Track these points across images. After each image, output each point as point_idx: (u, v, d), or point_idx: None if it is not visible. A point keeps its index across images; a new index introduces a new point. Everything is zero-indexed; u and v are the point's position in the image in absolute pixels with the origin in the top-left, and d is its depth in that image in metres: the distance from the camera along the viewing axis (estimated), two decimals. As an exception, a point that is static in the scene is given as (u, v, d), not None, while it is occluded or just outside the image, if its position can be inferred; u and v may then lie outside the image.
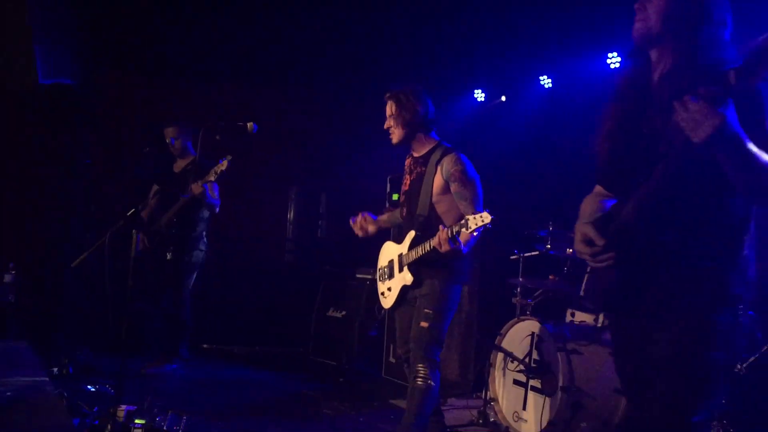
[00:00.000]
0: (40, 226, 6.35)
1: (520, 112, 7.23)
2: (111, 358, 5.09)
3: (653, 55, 2.05)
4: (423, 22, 6.67)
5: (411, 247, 3.89)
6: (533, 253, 5.38)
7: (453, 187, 3.85)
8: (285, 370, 6.57)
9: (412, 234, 3.90)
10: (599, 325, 4.82)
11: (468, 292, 6.20)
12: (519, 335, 4.81)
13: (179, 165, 5.83)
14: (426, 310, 3.79)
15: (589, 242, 2.07)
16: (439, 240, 3.58)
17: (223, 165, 4.90)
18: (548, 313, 5.28)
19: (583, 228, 2.09)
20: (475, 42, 6.89)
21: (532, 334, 4.68)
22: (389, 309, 4.12)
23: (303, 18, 6.66)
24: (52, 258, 6.06)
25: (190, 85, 7.52)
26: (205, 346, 7.24)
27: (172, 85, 7.46)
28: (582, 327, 4.88)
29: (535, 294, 5.39)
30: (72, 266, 3.87)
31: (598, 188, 2.41)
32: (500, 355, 4.89)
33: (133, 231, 3.67)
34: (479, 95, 7.80)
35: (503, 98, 7.56)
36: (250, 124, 4.42)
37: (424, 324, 3.78)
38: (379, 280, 4.20)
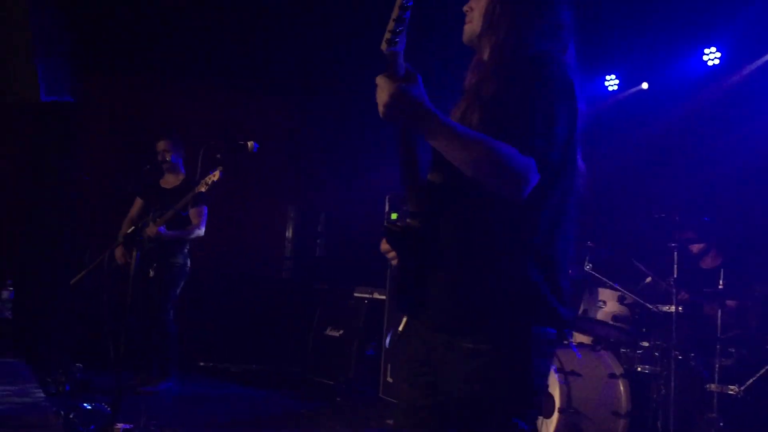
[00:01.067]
0: (37, 242, 6.34)
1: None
2: (107, 375, 5.07)
3: (483, 55, 2.00)
4: (430, 42, 6.70)
5: None
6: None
7: None
8: (281, 388, 6.53)
9: None
10: (598, 346, 4.82)
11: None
12: (517, 356, 4.79)
13: (168, 180, 5.77)
14: None
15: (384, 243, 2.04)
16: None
17: (215, 176, 4.85)
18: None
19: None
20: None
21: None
22: None
23: (304, 36, 6.68)
24: (49, 274, 6.05)
25: (189, 101, 7.54)
26: (201, 363, 7.21)
27: (172, 102, 7.49)
28: (580, 347, 4.87)
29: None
30: (71, 284, 3.86)
31: None
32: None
33: (133, 249, 3.67)
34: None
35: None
36: (250, 143, 4.43)
37: None
38: None
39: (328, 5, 6.27)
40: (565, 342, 4.72)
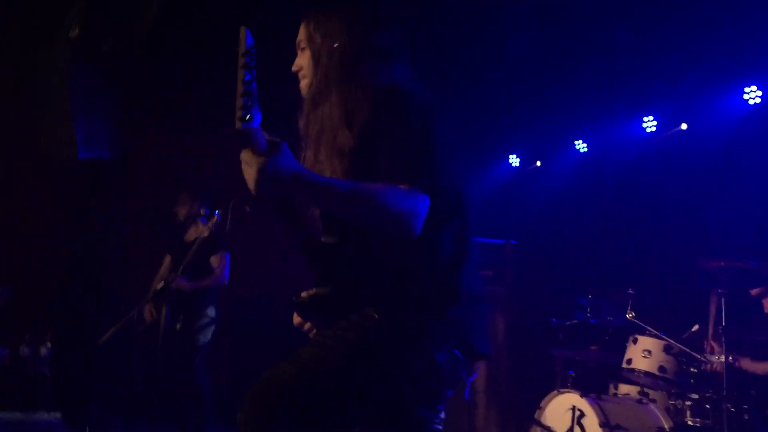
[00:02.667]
0: (77, 299, 6.40)
1: (556, 177, 7.17)
2: (143, 430, 5.03)
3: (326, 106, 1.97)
4: (456, 87, 6.72)
5: None
6: (573, 322, 5.22)
7: None
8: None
9: None
10: (645, 398, 4.61)
11: (507, 362, 6.02)
12: (559, 409, 4.61)
13: (191, 234, 5.77)
14: None
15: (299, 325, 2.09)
16: None
17: (215, 219, 4.84)
18: (590, 385, 5.08)
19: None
20: (510, 108, 6.89)
21: (573, 407, 4.48)
22: None
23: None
24: (88, 331, 6.09)
25: (224, 154, 7.61)
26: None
27: (209, 154, 7.58)
28: (626, 400, 4.67)
29: (576, 365, 5.19)
30: (104, 339, 3.85)
31: None
32: (539, 430, 4.69)
33: (162, 305, 3.65)
34: (514, 161, 7.77)
35: (538, 163, 7.51)
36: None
37: None
38: None
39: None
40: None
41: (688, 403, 4.46)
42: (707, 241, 5.56)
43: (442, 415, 1.97)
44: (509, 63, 6.24)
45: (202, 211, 5.68)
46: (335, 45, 1.90)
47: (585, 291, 5.06)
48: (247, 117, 1.52)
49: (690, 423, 4.38)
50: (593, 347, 5.05)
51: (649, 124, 6.41)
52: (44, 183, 6.48)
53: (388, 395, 1.78)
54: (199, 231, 5.73)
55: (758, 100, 5.61)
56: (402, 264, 1.79)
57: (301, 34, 1.98)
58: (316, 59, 1.93)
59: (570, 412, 4.48)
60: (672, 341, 4.53)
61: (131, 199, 6.81)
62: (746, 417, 4.29)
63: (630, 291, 4.80)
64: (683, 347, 4.50)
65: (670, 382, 4.52)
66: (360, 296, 1.82)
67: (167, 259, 5.83)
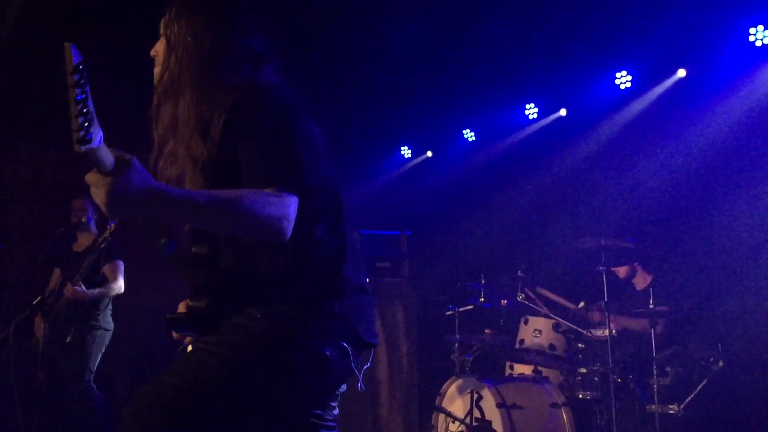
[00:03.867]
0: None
1: (447, 166, 7.30)
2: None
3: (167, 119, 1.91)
4: (346, 81, 6.71)
5: None
6: (468, 307, 5.33)
7: None
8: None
9: None
10: (538, 375, 4.77)
11: (407, 351, 6.08)
12: (459, 393, 4.71)
13: (81, 243, 5.51)
14: None
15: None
16: None
17: (111, 228, 4.68)
18: (487, 368, 5.20)
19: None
20: (400, 100, 6.95)
21: (472, 391, 4.59)
22: None
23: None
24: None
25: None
26: None
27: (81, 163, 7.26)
28: (521, 379, 4.81)
29: (473, 349, 5.31)
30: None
31: None
32: (442, 416, 4.77)
33: (41, 320, 3.46)
34: (406, 152, 7.85)
35: (429, 153, 7.62)
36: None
37: None
38: None
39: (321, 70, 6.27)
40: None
41: (578, 378, 4.65)
42: (589, 222, 5.80)
43: (336, 411, 1.94)
44: (396, 56, 6.29)
45: (84, 219, 5.43)
46: (192, 38, 1.80)
47: (478, 277, 5.17)
48: (86, 137, 1.38)
49: (581, 396, 4.57)
50: (488, 331, 5.17)
51: (531, 110, 6.62)
52: None
53: (277, 399, 1.73)
54: (90, 239, 5.47)
55: (629, 85, 5.89)
56: (278, 266, 1.75)
57: (165, 19, 1.87)
58: (170, 49, 1.83)
59: (469, 396, 4.58)
60: (560, 319, 4.71)
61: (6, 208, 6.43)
62: (631, 386, 4.51)
63: (520, 273, 4.94)
64: (570, 324, 4.68)
65: (560, 359, 4.70)
66: (238, 304, 1.76)
67: (55, 272, 5.54)
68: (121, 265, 5.32)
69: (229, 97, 1.74)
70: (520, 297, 4.87)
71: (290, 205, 1.61)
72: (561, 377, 4.80)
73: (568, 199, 6.12)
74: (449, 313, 5.42)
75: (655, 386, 4.27)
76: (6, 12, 5.14)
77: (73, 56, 1.39)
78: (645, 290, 4.81)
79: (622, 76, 5.87)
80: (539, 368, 4.88)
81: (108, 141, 1.45)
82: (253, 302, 1.75)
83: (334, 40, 6.11)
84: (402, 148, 7.83)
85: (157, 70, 1.88)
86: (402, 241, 6.57)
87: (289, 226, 1.61)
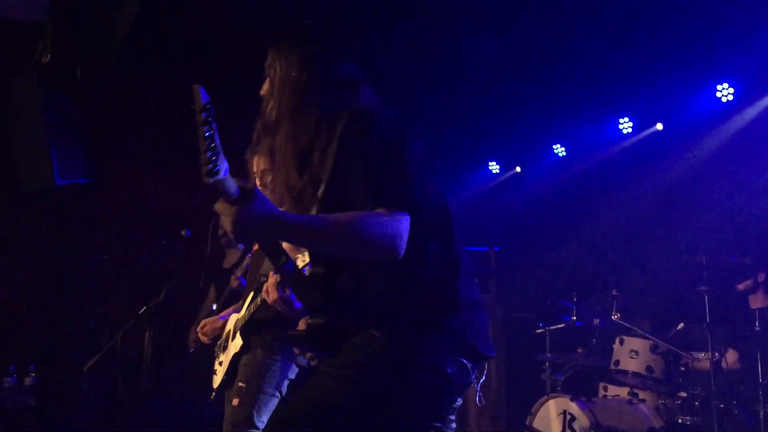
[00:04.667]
0: (58, 327, 6.32)
1: (536, 182, 7.20)
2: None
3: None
4: (434, 98, 6.74)
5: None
6: (559, 326, 5.23)
7: None
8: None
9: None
10: (634, 399, 4.62)
11: (495, 369, 6.01)
12: (550, 414, 4.61)
13: (229, 261, 5.73)
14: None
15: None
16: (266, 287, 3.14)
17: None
18: (580, 388, 5.08)
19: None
20: (488, 114, 6.92)
21: (564, 412, 4.49)
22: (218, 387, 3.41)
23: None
24: (70, 359, 6.00)
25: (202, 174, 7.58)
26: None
27: (184, 177, 7.54)
28: (616, 402, 4.67)
29: (565, 369, 5.19)
30: (85, 370, 3.80)
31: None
32: (532, 436, 4.68)
33: (148, 329, 3.60)
34: (494, 167, 7.79)
35: (518, 169, 7.54)
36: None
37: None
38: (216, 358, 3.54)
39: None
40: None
41: (678, 401, 4.47)
42: (687, 240, 5.59)
43: (454, 425, 1.98)
44: (485, 70, 6.26)
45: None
46: (292, 74, 1.91)
47: (569, 294, 5.07)
48: (214, 170, 1.52)
49: (680, 421, 4.39)
50: (580, 350, 5.06)
51: (625, 125, 6.45)
52: (23, 212, 6.41)
53: (402, 417, 1.77)
54: (237, 256, 5.67)
55: (731, 98, 5.66)
56: (394, 284, 1.78)
57: (267, 61, 2.00)
58: (272, 87, 1.95)
59: (561, 417, 4.48)
60: (658, 340, 4.55)
61: (107, 226, 6.75)
62: (736, 412, 4.31)
63: (614, 292, 4.81)
64: (670, 346, 4.51)
65: (658, 381, 4.53)
66: (355, 322, 1.82)
67: (212, 290, 5.77)
68: None
69: (335, 124, 1.81)
70: (615, 316, 4.74)
71: (402, 223, 1.66)
72: (659, 401, 4.62)
73: (663, 215, 5.92)
74: (539, 331, 5.33)
75: (762, 413, 4.07)
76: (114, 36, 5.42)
77: (201, 97, 1.54)
78: (762, 310, 4.58)
79: (723, 89, 5.65)
80: (635, 390, 4.73)
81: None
82: (371, 321, 1.80)
83: (423, 55, 6.15)
84: (490, 163, 7.78)
85: (265, 107, 1.99)
86: (490, 257, 6.52)
87: (402, 243, 1.66)
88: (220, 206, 1.59)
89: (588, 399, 4.52)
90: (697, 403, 4.35)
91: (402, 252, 1.67)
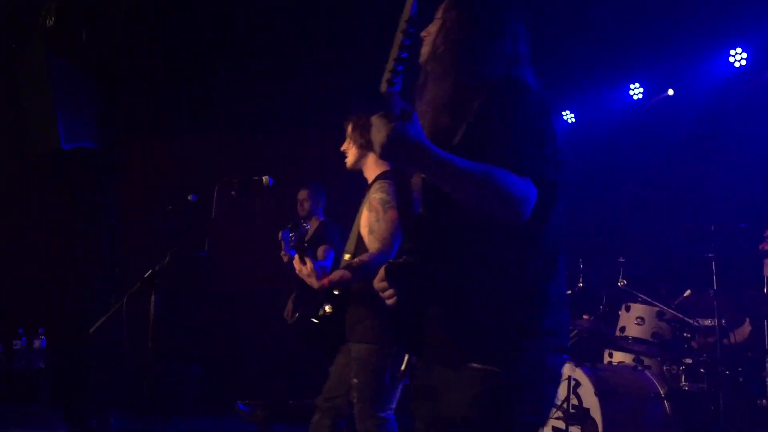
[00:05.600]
0: (68, 290, 6.37)
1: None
2: (143, 421, 5.02)
3: (431, 78, 2.04)
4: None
5: None
6: (566, 293, 5.21)
7: (369, 217, 3.28)
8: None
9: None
10: (639, 365, 4.62)
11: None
12: (555, 380, 4.62)
13: (310, 231, 5.77)
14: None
15: (381, 278, 1.97)
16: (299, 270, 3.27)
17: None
18: (585, 355, 5.08)
19: (385, 264, 2.02)
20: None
21: (569, 378, 4.49)
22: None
23: (321, 72, 6.74)
24: (81, 322, 6.07)
25: (211, 139, 7.60)
26: (239, 403, 7.13)
27: (192, 142, 7.55)
28: (621, 368, 4.68)
29: (571, 335, 5.20)
30: (90, 332, 3.83)
31: None
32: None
33: (152, 293, 3.61)
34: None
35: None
36: (265, 178, 4.35)
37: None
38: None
39: (338, 51, 6.35)
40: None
41: (683, 368, 4.47)
42: (696, 206, 5.54)
43: None
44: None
45: (307, 209, 5.70)
46: (463, 27, 1.96)
47: (576, 260, 5.05)
48: (394, 81, 1.58)
49: (686, 387, 4.40)
50: (586, 316, 5.05)
51: (636, 91, 6.37)
52: (32, 175, 6.43)
53: (530, 415, 1.81)
54: (314, 227, 5.73)
55: (743, 63, 5.56)
56: (499, 247, 1.82)
57: (442, 5, 2.05)
58: (442, 32, 1.98)
59: (566, 382, 4.49)
60: (664, 307, 4.54)
61: (119, 190, 6.77)
62: (741, 379, 4.31)
63: (621, 259, 4.78)
64: (676, 313, 4.50)
65: (664, 348, 4.53)
66: (444, 270, 1.85)
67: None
68: (330, 251, 5.48)
69: (488, 85, 1.86)
70: (621, 283, 4.73)
71: (532, 192, 1.71)
72: (663, 367, 4.63)
73: (673, 183, 5.87)
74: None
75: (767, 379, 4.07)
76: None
77: (411, 7, 1.57)
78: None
79: (736, 53, 5.55)
80: (641, 357, 4.73)
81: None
82: (465, 282, 1.83)
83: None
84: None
85: (425, 49, 2.04)
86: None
87: (528, 209, 1.70)
88: (377, 120, 1.62)
89: (593, 365, 4.53)
90: (702, 370, 4.35)
91: (526, 217, 1.70)
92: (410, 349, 1.96)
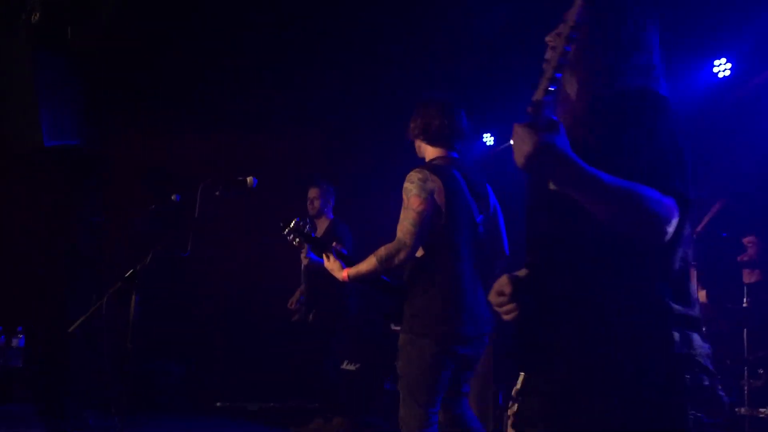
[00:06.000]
0: (48, 288, 6.31)
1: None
2: (121, 421, 4.98)
3: (567, 87, 1.97)
4: (434, 65, 6.70)
5: None
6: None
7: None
8: (300, 426, 6.40)
9: None
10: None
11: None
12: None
13: (319, 231, 5.75)
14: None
15: (500, 292, 1.88)
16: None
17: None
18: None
19: (501, 277, 1.92)
20: (485, 86, 6.87)
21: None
22: None
23: (307, 72, 6.72)
24: (60, 321, 6.01)
25: (197, 139, 7.56)
26: (218, 404, 7.10)
27: (177, 141, 7.51)
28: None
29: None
30: (69, 331, 3.80)
31: None
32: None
33: (133, 293, 3.59)
34: (488, 139, 7.77)
35: (512, 142, 7.51)
36: (249, 179, 4.32)
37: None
38: None
39: (325, 52, 6.34)
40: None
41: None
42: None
43: None
44: (483, 42, 6.20)
45: (317, 207, 5.74)
46: (609, 32, 1.89)
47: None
48: (549, 89, 1.52)
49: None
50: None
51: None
52: (11, 171, 6.37)
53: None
54: (323, 226, 5.72)
55: (728, 73, 5.61)
56: (632, 267, 1.73)
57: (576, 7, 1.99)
58: (590, 33, 1.88)
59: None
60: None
61: (102, 188, 6.72)
62: (720, 386, 4.32)
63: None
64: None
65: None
66: (569, 289, 1.78)
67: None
68: (343, 251, 5.50)
69: (626, 98, 1.81)
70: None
71: (674, 212, 1.64)
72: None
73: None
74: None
75: (746, 388, 4.09)
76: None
77: (577, 13, 1.52)
78: (753, 285, 4.58)
79: (720, 64, 5.59)
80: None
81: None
82: (594, 307, 1.76)
83: (420, 24, 6.09)
84: (485, 134, 7.75)
85: (551, 53, 1.93)
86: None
87: (670, 230, 1.64)
88: (522, 129, 1.54)
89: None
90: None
91: (667, 238, 1.64)
92: (525, 369, 1.88)
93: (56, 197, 6.49)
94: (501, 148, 7.64)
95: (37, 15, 5.12)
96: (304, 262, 4.94)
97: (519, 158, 1.55)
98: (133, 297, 3.59)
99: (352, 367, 6.62)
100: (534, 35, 6.06)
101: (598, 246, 1.75)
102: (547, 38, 1.94)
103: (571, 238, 1.80)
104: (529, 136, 1.52)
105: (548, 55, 1.56)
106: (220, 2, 5.74)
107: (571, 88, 1.92)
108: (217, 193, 4.23)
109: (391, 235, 3.24)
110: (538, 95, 1.52)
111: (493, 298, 1.89)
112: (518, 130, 1.55)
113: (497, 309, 1.88)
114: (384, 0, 5.71)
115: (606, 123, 1.79)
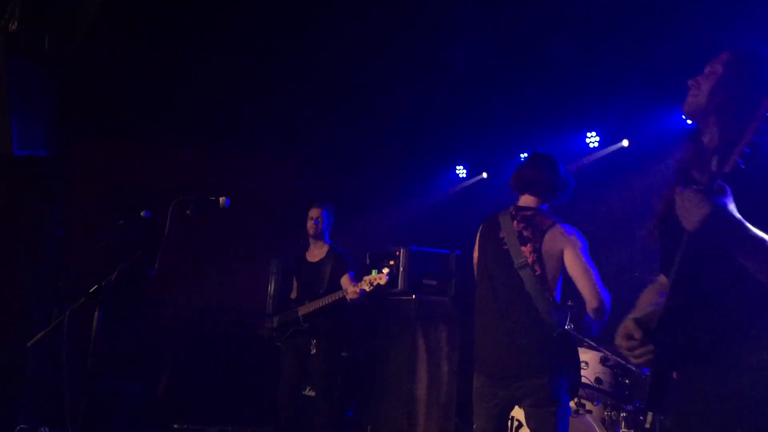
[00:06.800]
0: (7, 300, 6.17)
1: (501, 189, 7.23)
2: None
3: (705, 136, 2.04)
4: (408, 97, 6.76)
5: None
6: None
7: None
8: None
9: None
10: (581, 409, 4.67)
11: (448, 371, 6.03)
12: (498, 419, 4.63)
13: (314, 253, 5.72)
14: None
15: (629, 336, 1.97)
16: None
17: (381, 279, 5.10)
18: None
19: (626, 321, 2.01)
20: (459, 118, 6.96)
21: (512, 418, 4.51)
22: None
23: (290, 89, 6.74)
24: (16, 334, 5.87)
25: (167, 156, 7.51)
26: (175, 426, 6.96)
27: (149, 156, 7.45)
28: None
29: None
30: (28, 346, 3.71)
31: (661, 278, 2.27)
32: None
33: (96, 308, 3.53)
34: (461, 171, 7.83)
35: (485, 174, 7.59)
36: (222, 199, 4.30)
37: None
38: None
39: (308, 67, 6.36)
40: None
41: (623, 414, 4.53)
42: (637, 257, 5.67)
43: None
44: (458, 75, 6.29)
45: (320, 229, 5.67)
46: (734, 81, 1.97)
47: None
48: (739, 162, 1.62)
49: (623, 433, 4.45)
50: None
51: (593, 139, 6.53)
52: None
53: None
54: (322, 250, 5.67)
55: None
56: (764, 318, 1.80)
57: (720, 58, 2.04)
58: (722, 86, 1.98)
59: (509, 422, 4.50)
60: (608, 353, 4.60)
61: (69, 201, 6.62)
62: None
63: (569, 303, 4.84)
64: (619, 359, 4.57)
65: (606, 393, 4.59)
66: (715, 338, 1.84)
67: (294, 282, 5.81)
68: (351, 275, 5.52)
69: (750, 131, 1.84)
70: (569, 326, 4.78)
71: None
72: (605, 413, 4.68)
73: (626, 232, 6.00)
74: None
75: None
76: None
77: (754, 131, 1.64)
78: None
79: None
80: (583, 401, 4.78)
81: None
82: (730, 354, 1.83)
83: (398, 56, 6.16)
84: (458, 167, 7.81)
85: (693, 100, 2.04)
86: (451, 260, 6.54)
87: None
88: (693, 194, 1.63)
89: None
90: (642, 417, 4.41)
91: None
92: (655, 409, 2.01)
93: (19, 208, 6.37)
94: (473, 181, 7.72)
95: (15, 24, 5.07)
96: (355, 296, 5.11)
97: (692, 221, 1.62)
98: (97, 313, 3.52)
99: (312, 393, 6.55)
100: (509, 71, 6.22)
101: (738, 291, 1.81)
102: (690, 82, 2.06)
103: (711, 282, 1.85)
104: (704, 201, 1.61)
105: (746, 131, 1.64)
106: (196, 16, 5.74)
107: (708, 133, 1.99)
108: (188, 212, 4.20)
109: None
110: (729, 166, 1.62)
111: (622, 341, 1.96)
112: (690, 195, 1.64)
113: (627, 353, 1.96)
114: (362, 30, 5.77)
115: (757, 176, 1.81)
